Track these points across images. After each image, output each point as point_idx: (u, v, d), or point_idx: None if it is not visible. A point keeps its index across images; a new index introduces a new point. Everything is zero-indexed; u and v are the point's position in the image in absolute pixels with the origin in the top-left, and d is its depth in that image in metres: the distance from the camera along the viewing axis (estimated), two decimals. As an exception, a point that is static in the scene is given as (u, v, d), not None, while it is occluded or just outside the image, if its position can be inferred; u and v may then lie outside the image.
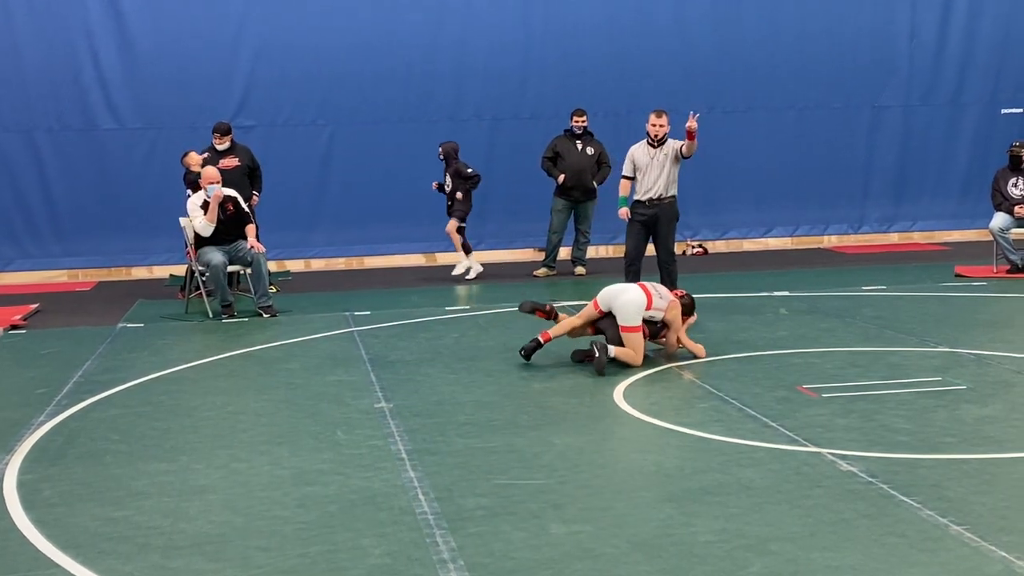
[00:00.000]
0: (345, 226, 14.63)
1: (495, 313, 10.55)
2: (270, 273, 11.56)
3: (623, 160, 10.53)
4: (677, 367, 8.03)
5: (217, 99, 14.13)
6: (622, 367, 7.96)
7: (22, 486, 5.72)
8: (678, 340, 8.29)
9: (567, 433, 6.41)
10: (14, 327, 10.53)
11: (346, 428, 6.63)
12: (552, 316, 8.51)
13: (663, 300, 8.19)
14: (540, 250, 14.07)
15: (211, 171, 10.80)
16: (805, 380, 7.50)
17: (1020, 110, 15.88)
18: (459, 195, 12.97)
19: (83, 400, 7.55)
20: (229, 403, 7.46)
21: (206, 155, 11.96)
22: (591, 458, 5.96)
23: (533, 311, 8.51)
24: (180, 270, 12.97)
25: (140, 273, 14.32)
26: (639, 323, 8.03)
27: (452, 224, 13.02)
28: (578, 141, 13.17)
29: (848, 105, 15.60)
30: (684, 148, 10.12)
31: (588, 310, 8.29)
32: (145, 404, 7.43)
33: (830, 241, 15.94)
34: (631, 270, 10.30)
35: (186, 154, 12.00)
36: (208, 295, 10.87)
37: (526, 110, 14.88)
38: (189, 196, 11.11)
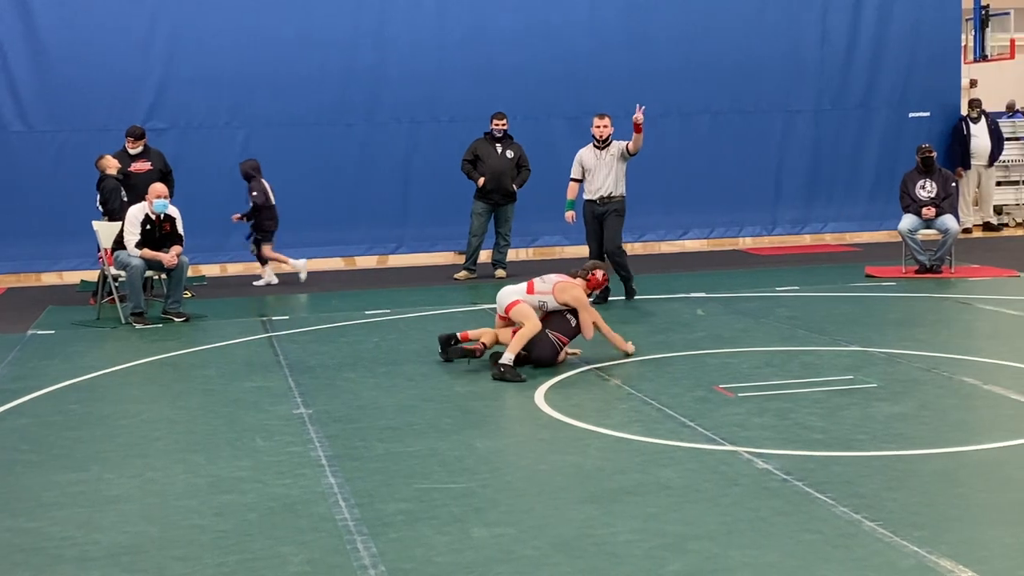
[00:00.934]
0: (262, 230, 14.45)
1: (416, 317, 10.52)
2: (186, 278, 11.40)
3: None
4: (597, 369, 8.09)
5: (128, 101, 13.86)
6: (535, 366, 7.99)
7: (-72, 499, 5.57)
8: (595, 326, 8.22)
9: (488, 436, 6.42)
10: (-82, 335, 10.23)
11: (264, 435, 6.56)
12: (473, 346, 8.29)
13: (547, 284, 8.20)
14: (460, 253, 14.07)
15: (160, 187, 10.60)
16: (722, 380, 7.60)
17: (927, 114, 16.28)
18: (248, 216, 12.79)
19: (-8, 409, 7.37)
20: (143, 411, 7.34)
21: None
22: (512, 461, 5.97)
23: (448, 349, 8.29)
24: (91, 275, 12.72)
25: (50, 279, 14.02)
26: (517, 298, 8.09)
27: (267, 249, 12.86)
28: (498, 144, 13.19)
29: (760, 109, 15.85)
30: (630, 145, 10.73)
31: (497, 323, 8.33)
32: (56, 413, 7.27)
33: (745, 243, 16.19)
34: None
35: (101, 157, 11.79)
36: (121, 300, 10.67)
37: (445, 113, 14.86)
38: (101, 199, 10.90)
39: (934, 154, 12.65)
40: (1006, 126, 17.17)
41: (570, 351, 8.39)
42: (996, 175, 16.79)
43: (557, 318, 8.17)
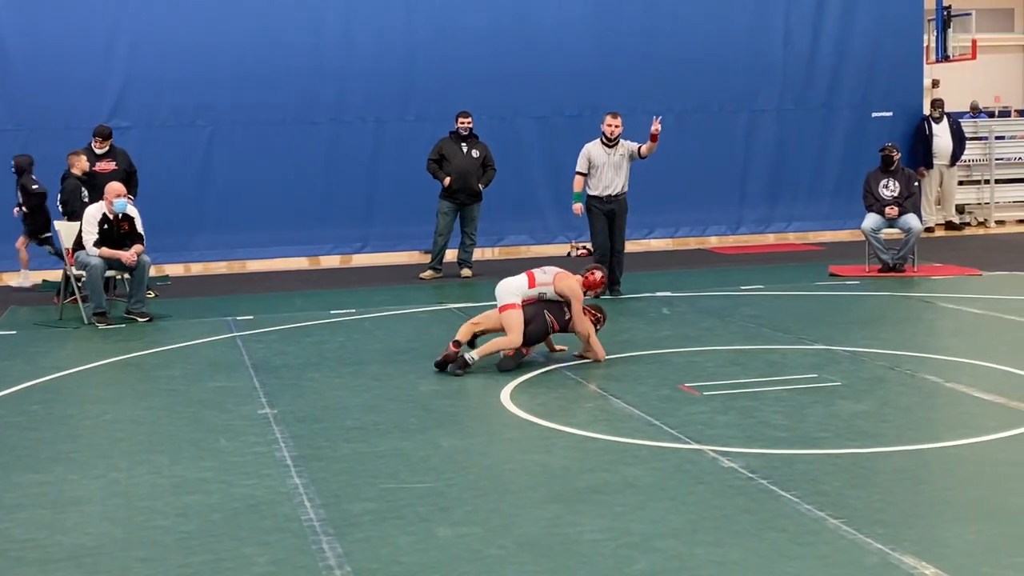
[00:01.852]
0: (226, 229, 14.33)
1: (381, 316, 10.49)
2: (149, 278, 11.31)
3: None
4: (563, 368, 8.10)
5: (91, 99, 13.75)
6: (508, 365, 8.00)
7: None
8: (586, 332, 8.17)
9: (454, 435, 6.41)
10: None
11: (229, 435, 6.52)
12: (457, 350, 8.12)
13: (547, 275, 8.22)
14: (426, 252, 14.04)
15: (118, 187, 10.51)
16: (687, 378, 7.63)
17: (890, 114, 16.41)
18: (26, 210, 12.55)
19: (-49, 411, 7.28)
20: (106, 411, 7.27)
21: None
22: (478, 460, 5.97)
23: (445, 366, 8.06)
24: (53, 275, 12.59)
25: (12, 278, 13.84)
26: (515, 301, 8.05)
27: (21, 240, 12.70)
28: (464, 144, 13.17)
29: (725, 109, 15.92)
30: (644, 149, 11.22)
31: (494, 314, 8.26)
32: (18, 414, 7.19)
33: (710, 242, 16.26)
34: (604, 260, 11.07)
35: (76, 154, 11.68)
36: (83, 300, 10.58)
37: (411, 112, 14.83)
38: (61, 199, 10.78)
39: (897, 154, 12.76)
40: (968, 126, 17.35)
41: (557, 347, 8.45)
42: (958, 175, 16.96)
43: (554, 307, 8.19)
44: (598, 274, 8.43)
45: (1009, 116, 22.30)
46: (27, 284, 12.89)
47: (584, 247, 15.34)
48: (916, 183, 12.92)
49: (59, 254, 12.03)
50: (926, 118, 16.46)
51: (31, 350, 9.31)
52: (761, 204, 16.23)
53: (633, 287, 11.82)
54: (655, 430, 6.40)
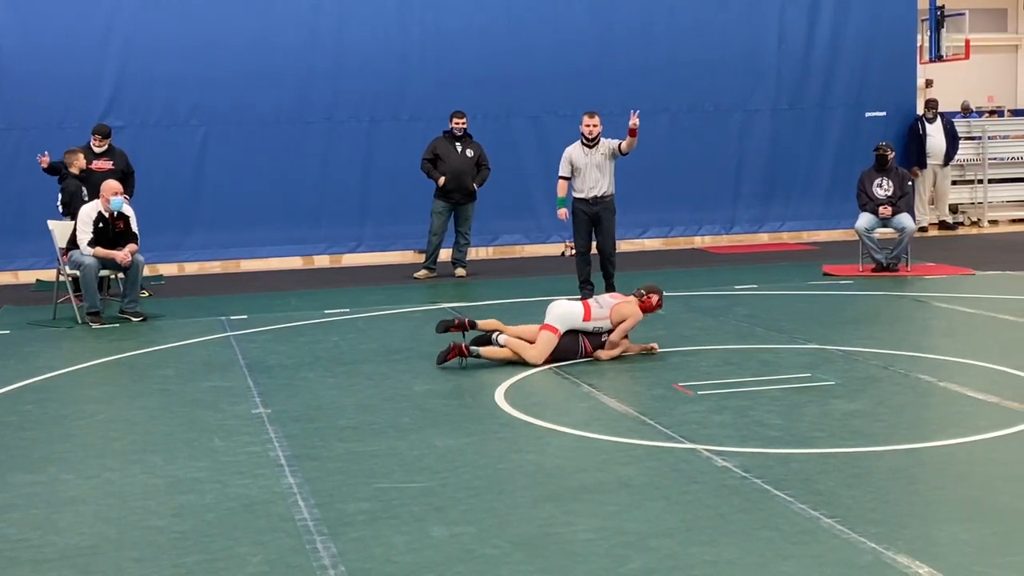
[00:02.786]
0: (220, 229, 14.33)
1: (375, 316, 10.49)
2: (143, 277, 11.30)
3: (557, 162, 10.76)
4: (557, 368, 8.10)
5: (85, 98, 13.73)
6: (505, 365, 8.00)
7: None
8: (624, 339, 8.25)
9: (448, 435, 6.41)
10: None
11: (223, 435, 6.52)
12: (469, 327, 8.28)
13: (603, 309, 8.27)
14: (420, 252, 14.04)
15: (115, 184, 10.50)
16: (681, 378, 7.63)
17: (883, 113, 16.43)
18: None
19: (-56, 411, 7.26)
20: (100, 411, 7.27)
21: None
22: (472, 459, 5.97)
23: (447, 329, 8.27)
24: (47, 275, 12.57)
25: (5, 278, 13.84)
26: (559, 327, 8.11)
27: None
28: (458, 143, 13.17)
29: (719, 109, 15.94)
30: (624, 145, 10.87)
31: (532, 330, 8.22)
32: (11, 413, 7.18)
33: (703, 242, 16.28)
34: (583, 260, 11.08)
35: (74, 152, 11.65)
36: (77, 300, 10.56)
37: (405, 112, 14.82)
38: (63, 200, 10.77)
39: (891, 153, 12.78)
40: (961, 126, 17.38)
41: (651, 345, 8.55)
42: (951, 174, 16.98)
43: (592, 335, 8.25)
44: (655, 298, 8.48)
45: (1002, 116, 22.36)
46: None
47: (577, 247, 15.36)
48: (910, 183, 12.95)
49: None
50: (919, 118, 16.49)
51: (25, 350, 9.30)
52: (755, 204, 16.24)
53: (627, 287, 11.78)
54: (649, 429, 6.41)
